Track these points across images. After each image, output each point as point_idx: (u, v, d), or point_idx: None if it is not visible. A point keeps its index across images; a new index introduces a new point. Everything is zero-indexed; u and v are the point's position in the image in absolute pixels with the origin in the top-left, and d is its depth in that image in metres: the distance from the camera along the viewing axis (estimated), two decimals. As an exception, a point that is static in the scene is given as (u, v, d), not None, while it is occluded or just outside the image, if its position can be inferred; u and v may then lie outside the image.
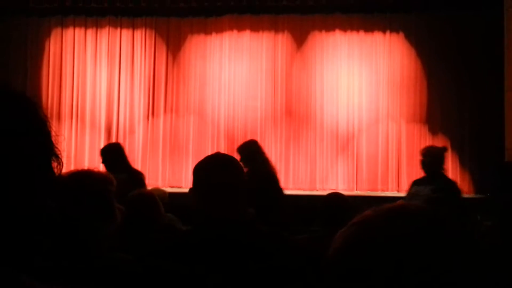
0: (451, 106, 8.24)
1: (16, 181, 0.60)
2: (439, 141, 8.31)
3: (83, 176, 1.57)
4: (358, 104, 8.48)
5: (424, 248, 0.56)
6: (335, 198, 2.47)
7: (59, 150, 0.68)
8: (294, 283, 1.71)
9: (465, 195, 7.79)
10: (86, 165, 7.68)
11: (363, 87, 8.50)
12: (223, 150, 8.17)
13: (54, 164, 0.67)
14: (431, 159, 4.69)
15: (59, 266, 1.41)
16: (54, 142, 0.67)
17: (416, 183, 4.85)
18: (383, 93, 8.46)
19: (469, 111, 8.18)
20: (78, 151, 8.56)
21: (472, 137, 8.12)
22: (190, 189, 1.81)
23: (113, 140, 8.67)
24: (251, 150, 4.89)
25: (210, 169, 1.76)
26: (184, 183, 8.29)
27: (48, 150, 0.66)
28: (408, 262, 0.56)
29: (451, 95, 8.23)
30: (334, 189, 7.71)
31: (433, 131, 8.33)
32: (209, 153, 1.91)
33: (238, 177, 1.76)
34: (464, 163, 8.19)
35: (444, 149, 4.96)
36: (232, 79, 8.72)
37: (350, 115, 8.48)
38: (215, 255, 1.61)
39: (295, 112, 8.62)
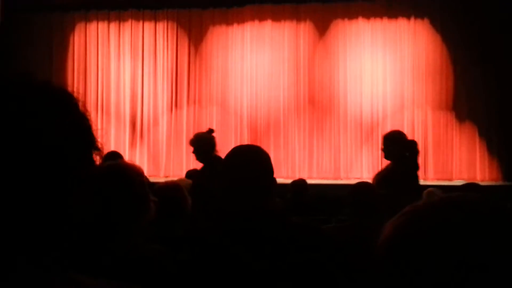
0: (478, 93, 8.06)
1: (58, 179, 0.60)
2: (467, 129, 8.17)
3: (118, 168, 1.58)
4: (382, 92, 8.37)
5: (480, 240, 0.54)
6: (363, 187, 2.45)
7: (101, 144, 0.69)
8: (325, 275, 1.71)
9: (494, 183, 7.68)
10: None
11: (387, 75, 8.38)
12: (246, 140, 8.19)
13: (96, 158, 0.68)
14: (195, 145, 4.64)
15: (95, 258, 1.43)
16: (95, 136, 0.68)
17: None
18: (408, 81, 8.33)
19: (497, 98, 7.99)
20: (103, 143, 8.66)
21: (501, 124, 7.94)
22: (217, 182, 1.81)
23: (138, 132, 8.77)
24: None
25: (236, 161, 1.76)
26: (208, 174, 8.35)
27: (90, 145, 0.66)
28: (463, 256, 0.54)
29: (478, 82, 8.04)
30: (358, 178, 7.66)
31: (460, 118, 8.17)
32: (233, 144, 1.90)
33: (263, 168, 1.75)
34: (492, 150, 8.02)
35: (209, 132, 4.87)
36: (254, 70, 8.70)
37: (374, 103, 8.38)
38: (245, 248, 1.61)
39: (318, 102, 8.56)
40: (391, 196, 3.44)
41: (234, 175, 1.72)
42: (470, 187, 3.84)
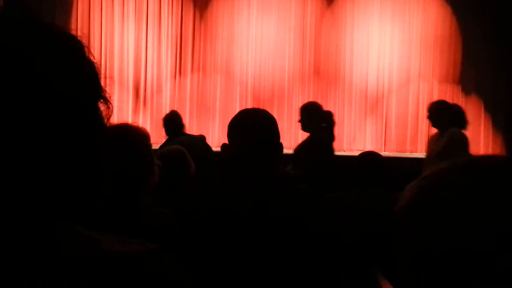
0: (486, 67, 7.97)
1: (65, 130, 0.57)
2: (472, 103, 8.11)
3: (124, 130, 1.55)
4: (389, 64, 8.28)
5: (507, 205, 0.50)
6: (370, 156, 2.44)
7: (109, 94, 0.65)
8: (325, 243, 1.71)
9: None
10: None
11: (394, 46, 8.28)
12: (250, 109, 8.12)
13: (104, 108, 0.64)
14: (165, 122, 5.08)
15: (102, 220, 1.42)
16: (103, 85, 0.65)
17: None
18: (415, 53, 8.23)
19: (505, 72, 7.91)
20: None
21: (507, 99, 7.88)
22: (223, 145, 1.79)
23: (141, 98, 8.73)
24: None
25: (245, 124, 1.73)
26: (211, 141, 8.32)
27: (98, 93, 0.63)
28: (487, 221, 0.50)
29: (487, 55, 7.94)
30: (361, 150, 7.64)
31: (466, 92, 8.11)
32: (236, 112, 1.86)
33: (272, 133, 1.73)
34: (497, 125, 7.98)
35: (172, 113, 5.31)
36: (260, 38, 8.59)
37: (380, 75, 8.31)
38: (250, 212, 1.61)
39: (323, 72, 8.49)
40: (306, 172, 3.46)
41: (242, 138, 1.70)
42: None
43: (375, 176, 2.36)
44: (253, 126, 1.64)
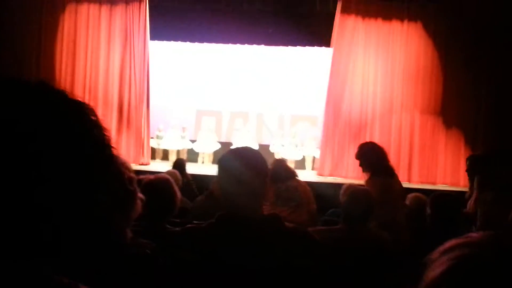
0: (467, 99, 8.12)
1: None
2: (453, 135, 8.23)
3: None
4: (373, 93, 8.39)
5: None
6: (361, 194, 2.44)
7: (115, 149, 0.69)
8: (311, 279, 1.71)
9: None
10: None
11: (378, 76, 8.40)
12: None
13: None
14: None
15: (84, 257, 1.39)
16: (112, 152, 0.68)
17: None
18: (398, 83, 8.36)
19: (485, 105, 8.07)
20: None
21: (487, 132, 8.03)
22: (213, 181, 1.79)
23: (125, 118, 8.67)
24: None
25: (233, 164, 1.74)
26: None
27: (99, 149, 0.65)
28: None
29: (468, 88, 8.11)
30: (344, 177, 7.69)
31: (447, 123, 8.24)
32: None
33: (260, 173, 1.74)
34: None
35: None
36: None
37: (363, 103, 8.40)
38: (236, 250, 1.61)
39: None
40: None
41: (231, 182, 1.71)
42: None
43: (361, 213, 2.37)
44: (241, 171, 1.66)
